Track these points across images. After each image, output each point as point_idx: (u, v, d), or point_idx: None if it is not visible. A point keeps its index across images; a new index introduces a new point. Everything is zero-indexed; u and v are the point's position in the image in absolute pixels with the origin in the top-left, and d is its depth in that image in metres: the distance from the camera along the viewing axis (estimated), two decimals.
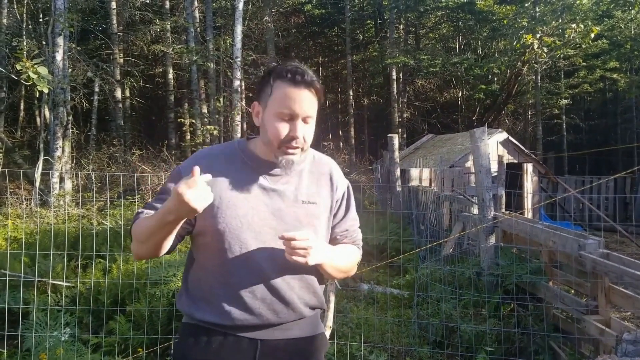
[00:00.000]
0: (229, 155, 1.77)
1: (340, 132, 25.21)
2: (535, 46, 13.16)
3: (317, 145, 17.88)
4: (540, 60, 15.89)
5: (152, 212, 1.69)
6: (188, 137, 16.46)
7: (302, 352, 1.80)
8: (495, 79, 20.55)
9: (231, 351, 1.70)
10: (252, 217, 1.70)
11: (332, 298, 2.60)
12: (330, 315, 2.55)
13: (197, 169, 1.49)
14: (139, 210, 1.75)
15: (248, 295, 1.68)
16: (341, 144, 23.46)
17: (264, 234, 1.70)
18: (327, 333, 2.59)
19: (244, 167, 1.74)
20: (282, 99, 1.66)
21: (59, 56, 11.01)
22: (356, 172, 17.15)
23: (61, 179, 11.11)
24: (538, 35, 13.12)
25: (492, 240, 5.16)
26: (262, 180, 1.74)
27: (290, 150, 1.69)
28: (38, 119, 18.59)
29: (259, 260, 1.69)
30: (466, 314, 4.55)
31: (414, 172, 9.98)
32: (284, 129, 1.66)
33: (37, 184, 10.53)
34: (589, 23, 14.03)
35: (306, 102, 1.68)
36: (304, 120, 1.69)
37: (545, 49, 13.42)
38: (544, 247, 4.37)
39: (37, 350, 3.90)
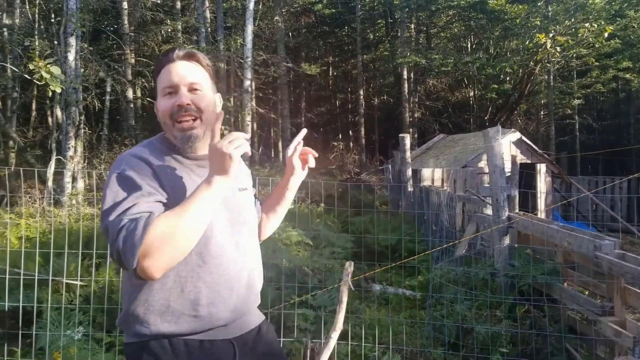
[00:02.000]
0: (158, 153, 1.64)
1: (351, 132, 25.18)
2: (548, 45, 13.05)
3: (326, 145, 17.97)
4: (553, 59, 15.76)
5: (160, 209, 1.47)
6: None
7: (265, 337, 1.78)
8: (508, 78, 20.42)
9: (211, 357, 1.60)
10: (225, 209, 1.66)
11: (345, 299, 2.53)
12: (341, 317, 2.48)
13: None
14: (135, 217, 1.41)
15: (225, 291, 1.61)
16: (351, 144, 23.43)
17: (223, 226, 1.63)
18: (336, 335, 2.54)
19: (176, 162, 1.64)
20: (162, 79, 1.65)
21: (71, 56, 11.06)
22: (367, 172, 17.10)
23: (73, 179, 11.16)
24: (551, 35, 13.01)
25: (507, 241, 5.10)
26: (199, 171, 1.66)
27: (184, 122, 1.62)
28: (50, 119, 18.71)
29: (227, 252, 1.63)
30: (480, 315, 4.50)
31: (426, 173, 9.93)
32: (170, 102, 1.63)
33: (50, 183, 10.58)
34: (602, 22, 13.89)
35: (185, 70, 1.65)
36: (190, 89, 1.64)
37: (558, 49, 13.32)
38: (559, 247, 4.31)
39: (50, 349, 3.90)
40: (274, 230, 2.09)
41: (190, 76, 1.65)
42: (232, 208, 1.68)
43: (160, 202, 1.50)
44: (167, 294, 1.55)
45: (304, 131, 1.84)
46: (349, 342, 4.04)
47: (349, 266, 2.43)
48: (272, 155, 21.78)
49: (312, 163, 1.93)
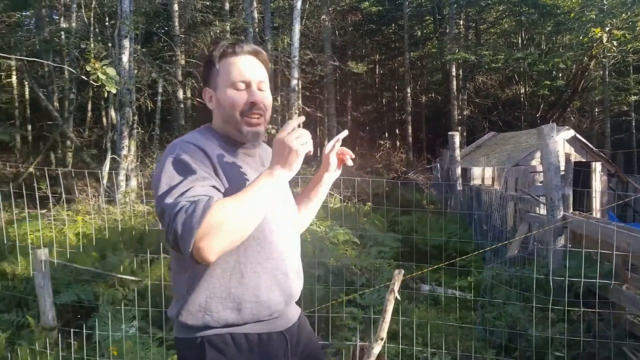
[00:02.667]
0: (210, 141, 1.64)
1: (397, 131, 24.98)
2: (604, 40, 12.58)
3: (372, 144, 17.87)
4: (609, 54, 15.19)
5: (215, 194, 1.47)
6: None
7: (304, 329, 1.81)
8: (560, 74, 19.80)
9: (268, 350, 1.62)
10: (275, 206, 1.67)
11: (390, 308, 2.45)
12: (385, 327, 2.41)
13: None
14: (193, 199, 1.40)
15: (281, 276, 1.65)
16: (398, 142, 23.24)
17: (276, 215, 1.67)
18: (379, 347, 2.48)
19: (227, 150, 1.65)
20: (231, 71, 1.65)
21: (125, 58, 11.38)
22: (414, 171, 16.92)
23: (127, 177, 11.48)
24: (607, 29, 12.53)
25: (561, 241, 4.95)
26: (248, 160, 1.70)
27: (253, 119, 1.66)
28: (105, 119, 19.32)
29: (281, 239, 1.67)
30: (533, 317, 4.38)
31: (476, 171, 9.75)
32: (241, 97, 1.64)
33: (105, 181, 10.92)
34: None
35: (255, 67, 1.68)
36: (259, 87, 1.67)
37: (614, 43, 12.82)
38: (617, 249, 4.15)
39: (106, 343, 4.01)
40: (306, 226, 2.07)
41: (260, 74, 1.69)
42: (280, 195, 1.70)
43: (215, 187, 1.49)
44: (228, 280, 1.57)
45: (345, 132, 1.83)
46: (400, 343, 4.01)
47: (398, 273, 2.36)
48: (318, 154, 21.82)
49: (349, 162, 1.91)
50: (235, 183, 1.56)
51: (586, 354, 3.86)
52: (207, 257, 1.38)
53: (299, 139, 1.51)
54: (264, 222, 1.56)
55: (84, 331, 4.14)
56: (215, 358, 1.55)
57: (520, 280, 4.75)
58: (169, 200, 1.41)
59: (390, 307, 2.46)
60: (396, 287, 2.47)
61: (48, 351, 3.86)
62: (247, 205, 1.44)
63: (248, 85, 1.65)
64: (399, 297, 2.44)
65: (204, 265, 1.50)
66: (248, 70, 1.66)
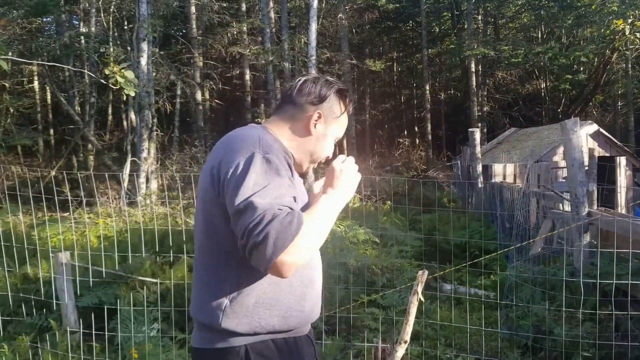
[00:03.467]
0: (282, 148, 1.63)
1: (416, 128, 24.80)
2: (627, 32, 12.30)
3: (391, 142, 17.75)
4: (631, 47, 14.87)
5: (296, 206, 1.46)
6: None
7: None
8: (582, 68, 19.47)
9: (303, 352, 1.65)
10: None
11: (413, 311, 2.39)
12: (409, 329, 2.35)
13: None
14: (288, 209, 1.39)
15: (318, 284, 1.70)
16: (417, 140, 23.08)
17: None
18: (402, 350, 2.43)
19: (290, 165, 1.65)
20: (342, 125, 1.76)
21: (143, 61, 11.46)
22: (434, 169, 16.78)
23: (147, 179, 11.55)
24: (629, 20, 12.25)
25: (587, 238, 4.83)
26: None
27: (315, 166, 1.78)
28: (125, 122, 19.49)
29: (318, 250, 1.70)
30: (559, 317, 4.28)
31: (497, 168, 9.61)
32: (330, 151, 1.75)
33: (125, 184, 11.00)
34: None
35: None
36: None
37: (638, 35, 12.53)
38: None
39: (127, 345, 4.02)
40: None
41: None
42: None
43: (295, 198, 1.48)
44: (279, 288, 1.55)
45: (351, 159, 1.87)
46: (424, 345, 3.94)
47: (422, 274, 2.30)
48: (337, 153, 21.71)
49: None
50: (300, 198, 1.56)
51: (617, 354, 3.75)
52: (286, 273, 1.38)
53: (354, 167, 1.66)
54: None
55: (106, 333, 4.16)
56: None
57: (545, 278, 4.65)
58: (260, 200, 1.37)
59: (413, 310, 2.40)
60: (420, 289, 2.41)
61: (70, 354, 3.88)
62: (324, 227, 1.50)
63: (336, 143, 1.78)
64: (422, 299, 2.38)
65: (254, 271, 1.48)
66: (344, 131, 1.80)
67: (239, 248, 1.40)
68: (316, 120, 1.68)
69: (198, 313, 1.60)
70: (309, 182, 2.04)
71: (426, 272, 2.45)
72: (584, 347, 3.87)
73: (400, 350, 2.47)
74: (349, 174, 1.63)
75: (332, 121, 1.72)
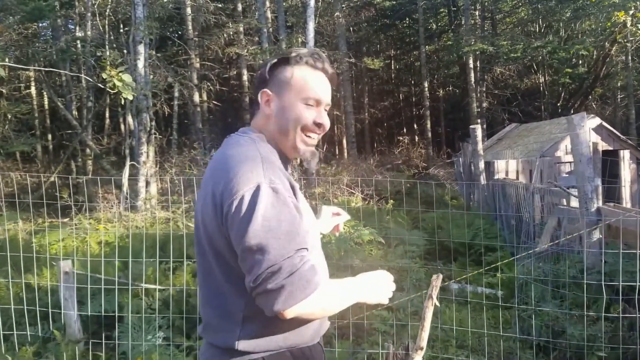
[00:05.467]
0: (278, 160, 1.59)
1: (416, 126, 24.76)
2: (629, 23, 12.22)
3: (391, 139, 17.69)
4: (632, 39, 14.79)
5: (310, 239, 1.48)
6: None
7: None
8: (581, 61, 19.39)
9: (320, 355, 1.67)
10: (312, 219, 1.68)
11: (429, 315, 2.33)
12: (425, 335, 2.28)
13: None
14: (307, 260, 1.40)
15: None
16: (416, 137, 23.01)
17: (315, 235, 1.69)
18: (419, 356, 2.36)
19: (285, 170, 1.60)
20: (306, 84, 1.60)
21: (140, 64, 11.37)
22: (434, 166, 16.71)
23: (147, 183, 11.47)
24: (631, 12, 12.17)
25: (597, 235, 4.76)
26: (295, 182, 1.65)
27: (311, 137, 1.63)
28: (122, 126, 19.42)
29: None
30: (571, 315, 4.21)
31: (500, 164, 9.53)
32: (309, 114, 1.60)
33: (125, 188, 10.92)
34: None
35: (328, 88, 1.65)
36: (325, 108, 1.65)
37: (639, 26, 12.44)
38: None
39: (132, 354, 3.94)
40: None
41: (330, 96, 1.67)
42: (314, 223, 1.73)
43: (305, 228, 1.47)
44: None
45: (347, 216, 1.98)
46: (432, 348, 3.87)
47: (436, 279, 2.23)
48: (337, 153, 21.70)
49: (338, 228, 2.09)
50: (305, 216, 1.51)
51: (631, 353, 3.68)
52: (285, 319, 1.41)
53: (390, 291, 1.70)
54: (317, 249, 1.64)
55: (110, 343, 4.09)
56: None
57: (555, 276, 4.58)
58: (273, 241, 1.36)
59: (429, 315, 2.32)
60: (434, 293, 2.34)
61: None
62: (337, 302, 1.51)
63: (317, 104, 1.62)
64: (438, 304, 2.30)
65: None
66: (322, 89, 1.63)
67: (245, 285, 1.40)
68: (267, 101, 1.62)
69: (211, 336, 1.58)
70: (319, 209, 1.98)
71: (440, 276, 2.38)
72: (598, 347, 3.80)
73: (417, 358, 2.40)
74: (383, 282, 1.68)
75: (287, 89, 1.60)
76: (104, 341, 4.01)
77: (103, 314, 4.38)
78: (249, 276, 1.36)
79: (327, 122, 1.63)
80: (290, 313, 1.37)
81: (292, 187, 1.50)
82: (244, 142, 1.57)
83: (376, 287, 1.65)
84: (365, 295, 1.61)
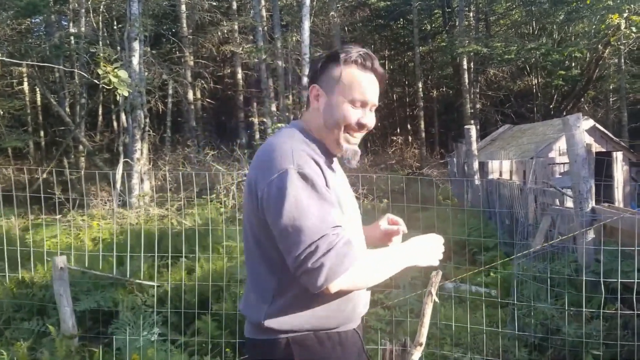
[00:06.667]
0: (315, 152, 1.63)
1: (409, 126, 24.79)
2: (622, 26, 12.31)
3: (385, 139, 17.74)
4: (625, 41, 14.90)
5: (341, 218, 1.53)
6: (257, 135, 16.61)
7: (362, 329, 1.90)
8: (573, 64, 19.50)
9: (348, 347, 1.67)
10: (354, 211, 1.75)
11: (428, 312, 2.34)
12: (424, 332, 2.30)
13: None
14: (342, 237, 1.46)
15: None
16: (410, 137, 23.05)
17: (357, 224, 1.76)
18: (418, 353, 2.38)
19: (328, 163, 1.67)
20: (354, 85, 1.64)
21: (135, 60, 11.32)
22: (428, 166, 16.76)
23: (140, 180, 11.43)
24: (625, 15, 12.26)
25: (591, 235, 4.80)
26: (339, 174, 1.76)
27: (354, 137, 1.68)
28: (115, 123, 19.34)
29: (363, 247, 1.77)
30: (565, 315, 4.24)
31: (494, 165, 9.57)
32: (355, 114, 1.64)
33: (118, 185, 10.88)
34: None
35: (376, 89, 1.68)
36: (371, 108, 1.69)
37: (633, 29, 12.53)
38: None
39: (129, 350, 3.93)
40: None
41: (377, 97, 1.70)
42: (358, 212, 1.81)
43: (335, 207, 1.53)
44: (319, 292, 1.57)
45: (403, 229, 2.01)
46: (428, 344, 3.88)
47: (436, 276, 2.24)
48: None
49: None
50: (343, 203, 1.61)
51: (625, 352, 3.71)
52: (334, 295, 1.49)
53: (440, 253, 1.75)
54: (357, 234, 1.70)
55: (106, 338, 4.07)
56: (303, 356, 1.58)
57: (551, 276, 4.60)
58: (307, 221, 1.43)
59: (428, 311, 2.33)
60: (434, 290, 2.35)
61: (72, 359, 3.79)
62: (381, 268, 1.57)
63: (364, 105, 1.66)
64: (437, 300, 2.32)
65: (295, 277, 1.51)
66: (370, 90, 1.66)
67: (288, 265, 1.47)
68: (316, 95, 1.67)
69: (246, 310, 1.67)
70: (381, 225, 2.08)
71: (440, 273, 2.39)
72: (594, 345, 3.83)
73: (417, 353, 2.40)
74: (432, 245, 1.74)
75: (335, 88, 1.64)
76: (100, 337, 3.99)
77: (98, 309, 4.37)
78: (289, 257, 1.45)
79: (371, 123, 1.68)
80: (333, 287, 1.44)
81: (324, 175, 1.55)
82: (284, 133, 1.65)
83: (425, 249, 1.71)
84: (414, 259, 1.66)
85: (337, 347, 1.62)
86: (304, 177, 1.48)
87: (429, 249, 1.72)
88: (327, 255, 1.40)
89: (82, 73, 9.27)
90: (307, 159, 1.53)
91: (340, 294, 1.51)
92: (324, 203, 1.47)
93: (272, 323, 1.56)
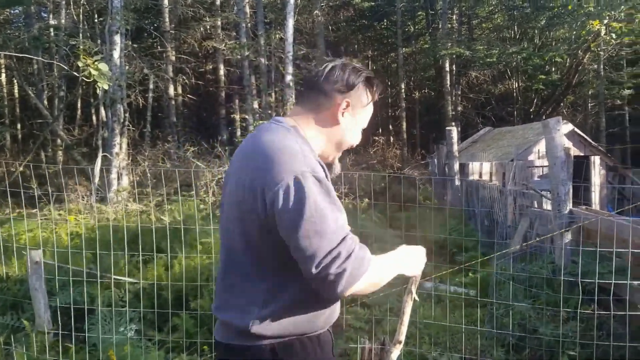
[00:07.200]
0: (314, 152, 1.62)
1: (391, 127, 24.88)
2: (603, 32, 12.50)
3: (366, 139, 17.74)
4: (604, 48, 15.12)
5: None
6: (239, 133, 16.52)
7: None
8: (554, 69, 19.75)
9: (324, 347, 1.68)
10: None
11: (408, 311, 2.33)
12: (403, 330, 2.29)
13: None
14: (358, 242, 1.49)
15: None
16: (392, 138, 23.13)
17: None
18: (397, 352, 2.38)
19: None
20: (369, 113, 1.75)
21: (116, 54, 11.18)
22: (409, 166, 16.84)
23: (119, 175, 11.30)
24: (605, 21, 12.44)
25: (569, 236, 4.85)
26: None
27: (340, 155, 1.78)
28: (94, 117, 19.09)
29: None
30: (542, 315, 4.28)
31: (474, 166, 9.65)
32: (357, 140, 1.75)
33: (96, 180, 10.73)
34: None
35: None
36: None
37: (613, 35, 12.73)
38: (630, 244, 4.04)
39: (104, 346, 3.87)
40: None
41: None
42: None
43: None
44: (310, 294, 1.55)
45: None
46: (406, 343, 3.88)
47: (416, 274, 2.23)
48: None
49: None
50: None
51: (600, 353, 3.75)
52: (332, 300, 1.60)
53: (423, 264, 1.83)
54: None
55: (80, 334, 4.00)
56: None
57: (529, 277, 4.65)
58: (330, 228, 1.42)
59: (408, 310, 2.32)
60: (414, 289, 2.34)
61: (44, 355, 3.72)
62: (385, 277, 1.61)
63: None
64: (417, 299, 2.31)
65: (285, 280, 1.53)
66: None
67: (305, 271, 1.44)
68: (344, 109, 1.66)
69: (227, 314, 1.61)
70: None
71: (420, 272, 2.38)
72: (569, 346, 3.87)
73: (395, 352, 2.39)
74: (417, 256, 1.80)
75: (360, 110, 1.69)
76: (73, 333, 3.92)
77: (73, 305, 4.29)
78: (309, 264, 1.40)
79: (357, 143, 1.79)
80: (348, 292, 1.44)
81: (326, 174, 1.56)
82: (280, 131, 1.59)
83: (412, 260, 1.76)
84: (403, 268, 1.71)
85: (317, 349, 1.62)
86: (319, 181, 1.45)
87: (415, 260, 1.77)
88: (348, 260, 1.40)
89: (62, 65, 9.12)
90: (316, 162, 1.51)
91: (308, 307, 1.55)
92: (335, 207, 1.46)
93: (261, 329, 1.52)
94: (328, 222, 1.41)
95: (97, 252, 4.93)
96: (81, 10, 16.89)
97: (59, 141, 16.70)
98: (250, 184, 1.49)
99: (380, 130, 24.16)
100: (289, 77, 12.72)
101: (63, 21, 16.31)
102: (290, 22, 12.40)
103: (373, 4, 22.81)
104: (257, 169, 1.49)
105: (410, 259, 1.75)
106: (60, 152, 16.86)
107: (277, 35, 16.12)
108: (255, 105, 16.89)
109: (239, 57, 16.47)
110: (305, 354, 1.58)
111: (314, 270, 1.39)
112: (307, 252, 1.40)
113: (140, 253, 4.95)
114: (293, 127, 1.62)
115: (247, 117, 15.58)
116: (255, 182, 1.48)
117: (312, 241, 1.39)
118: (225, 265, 1.63)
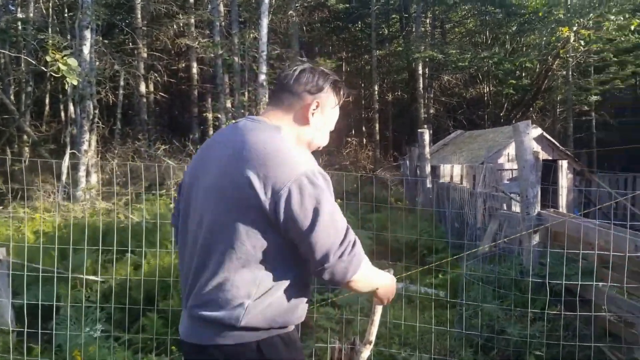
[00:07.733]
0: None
1: (364, 128, 24.98)
2: (572, 39, 12.78)
3: (339, 141, 17.75)
4: (573, 54, 15.44)
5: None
6: (211, 131, 16.38)
7: None
8: (524, 74, 20.10)
9: (297, 339, 1.77)
10: None
11: (378, 311, 2.36)
12: (373, 330, 2.32)
13: None
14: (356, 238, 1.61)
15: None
16: (364, 140, 23.24)
17: None
18: (367, 352, 2.40)
19: None
20: (336, 115, 1.84)
21: (86, 49, 10.99)
22: (382, 168, 16.93)
23: (87, 173, 11.10)
24: (574, 28, 12.72)
25: (537, 239, 4.93)
26: None
27: None
28: (63, 113, 18.70)
29: None
30: (510, 316, 4.34)
31: (445, 169, 9.76)
32: (325, 142, 1.84)
33: (64, 177, 10.51)
34: (627, 15, 13.53)
35: None
36: None
37: (582, 42, 13.03)
38: (596, 247, 4.13)
39: (70, 346, 3.79)
40: None
41: None
42: None
43: None
44: (296, 287, 1.65)
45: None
46: (376, 343, 3.90)
47: (388, 273, 2.25)
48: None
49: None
50: None
51: (565, 353, 3.83)
52: (359, 287, 1.71)
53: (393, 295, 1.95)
54: None
55: (46, 334, 3.91)
56: (273, 357, 1.61)
57: (497, 278, 4.71)
58: (341, 222, 1.57)
59: (379, 310, 2.33)
60: (377, 314, 2.35)
61: (9, 355, 3.63)
62: (375, 279, 1.79)
63: None
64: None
65: (271, 272, 1.58)
66: None
67: (315, 261, 1.54)
68: (314, 110, 1.72)
69: (210, 311, 1.58)
70: None
71: (392, 271, 2.39)
72: (536, 346, 3.93)
73: (366, 352, 2.40)
74: (392, 284, 1.92)
75: (329, 111, 1.78)
76: (39, 332, 3.83)
77: (40, 304, 4.19)
78: (329, 253, 1.51)
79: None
80: (356, 275, 1.59)
81: None
82: (272, 129, 1.65)
83: (389, 285, 1.88)
84: (382, 288, 1.83)
85: (292, 345, 1.68)
86: (325, 177, 1.56)
87: (390, 289, 1.89)
88: (355, 248, 1.56)
89: (29, 60, 8.92)
90: (315, 160, 1.62)
91: (290, 299, 1.64)
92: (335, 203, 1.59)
93: (251, 321, 1.56)
94: (338, 214, 1.54)
95: (63, 249, 4.82)
96: (50, 4, 16.55)
97: (25, 137, 16.32)
98: (249, 182, 1.50)
99: (353, 132, 24.24)
100: (262, 77, 12.67)
101: (31, 14, 15.95)
102: (265, 22, 12.35)
103: (348, 6, 22.88)
104: (258, 169, 1.51)
105: (388, 285, 1.87)
106: (27, 149, 16.48)
107: (252, 35, 16.05)
108: (228, 104, 16.77)
109: (212, 55, 16.35)
110: (285, 350, 1.64)
111: (331, 259, 1.51)
112: (325, 245, 1.50)
113: (107, 250, 4.87)
114: (276, 127, 1.66)
115: (219, 116, 15.47)
116: (255, 181, 1.50)
117: (330, 233, 1.51)
118: (202, 261, 1.61)
